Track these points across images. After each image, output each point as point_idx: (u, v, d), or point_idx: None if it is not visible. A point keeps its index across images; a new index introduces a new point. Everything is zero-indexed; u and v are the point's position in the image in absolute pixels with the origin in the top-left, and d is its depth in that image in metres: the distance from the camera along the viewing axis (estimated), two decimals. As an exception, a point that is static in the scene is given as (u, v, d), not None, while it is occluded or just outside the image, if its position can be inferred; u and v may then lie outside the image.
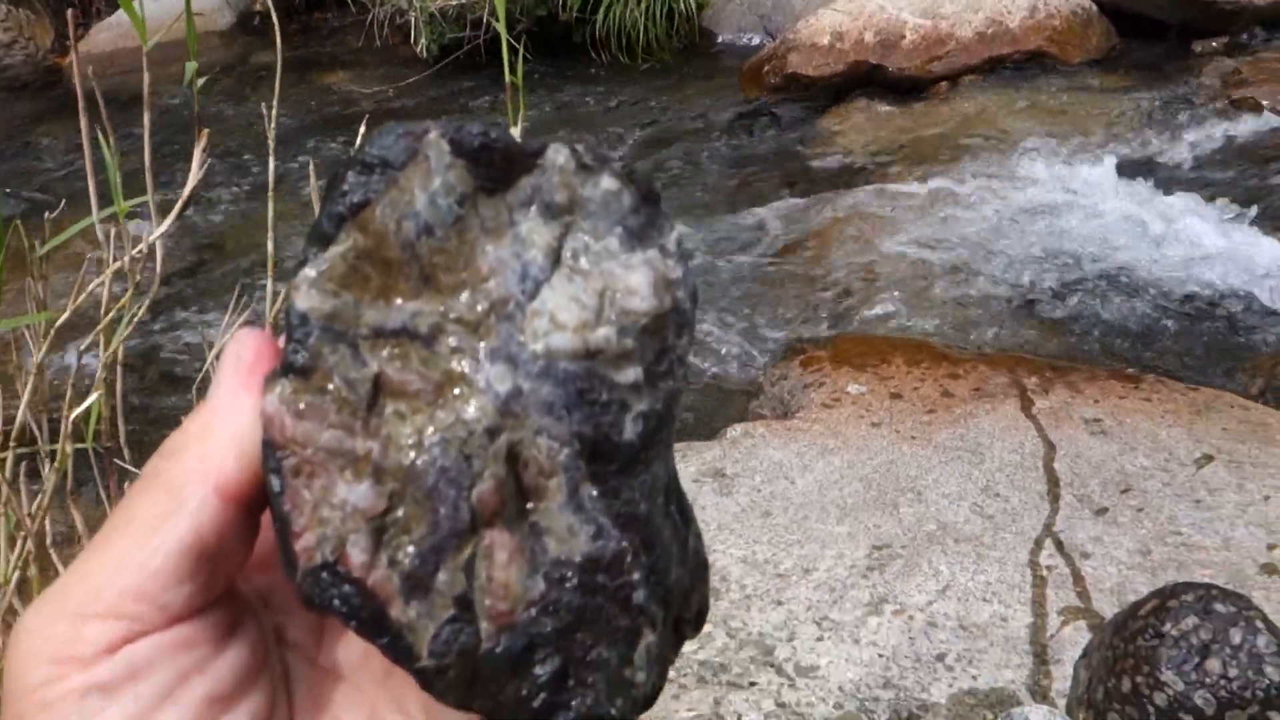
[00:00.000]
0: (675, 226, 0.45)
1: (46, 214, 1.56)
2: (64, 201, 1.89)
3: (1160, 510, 2.63)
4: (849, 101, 6.13)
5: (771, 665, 2.23)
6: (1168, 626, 1.87)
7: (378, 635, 0.42)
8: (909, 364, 3.40)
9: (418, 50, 7.37)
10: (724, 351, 4.06)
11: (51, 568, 1.55)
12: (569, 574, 0.43)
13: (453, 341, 0.43)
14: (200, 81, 1.36)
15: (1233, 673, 1.81)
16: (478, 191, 0.43)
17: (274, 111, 1.45)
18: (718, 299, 4.42)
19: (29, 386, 1.40)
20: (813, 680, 2.19)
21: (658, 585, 0.45)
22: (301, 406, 0.42)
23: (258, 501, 0.44)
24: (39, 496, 1.45)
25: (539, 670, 0.43)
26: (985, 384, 3.26)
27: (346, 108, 7.00)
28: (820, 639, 2.29)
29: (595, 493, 0.43)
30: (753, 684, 2.19)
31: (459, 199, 0.43)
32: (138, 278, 1.41)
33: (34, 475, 1.54)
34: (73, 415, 1.37)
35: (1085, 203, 4.79)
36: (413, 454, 0.42)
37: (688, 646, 2.24)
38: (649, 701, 0.46)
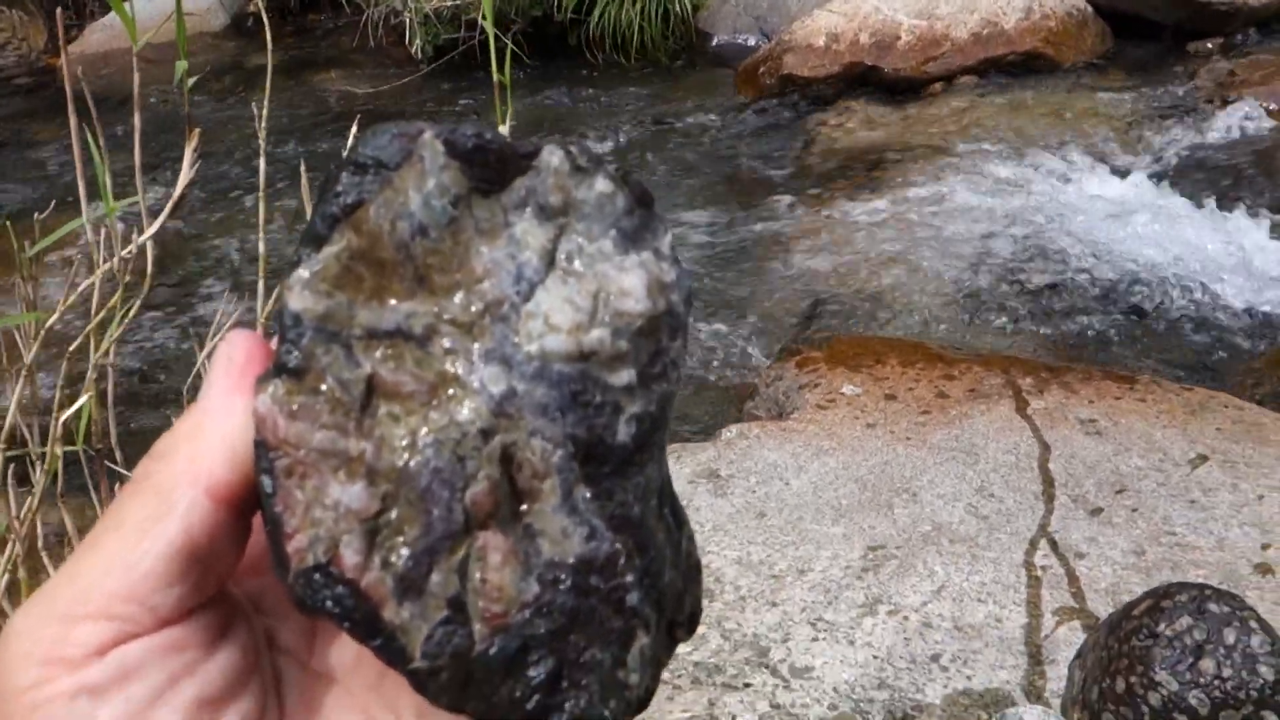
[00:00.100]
0: (669, 229, 0.45)
1: (36, 215, 1.56)
2: (54, 202, 1.88)
3: (1155, 510, 2.64)
4: (844, 102, 6.13)
5: (766, 666, 2.23)
6: (1162, 626, 1.87)
7: (370, 637, 0.42)
8: (904, 365, 3.40)
9: (413, 51, 7.37)
10: (719, 353, 4.06)
11: (42, 570, 1.54)
12: (563, 576, 0.43)
13: (447, 343, 0.42)
14: (191, 81, 1.36)
15: (1227, 673, 1.81)
16: (472, 193, 0.43)
17: (265, 111, 1.45)
18: (712, 300, 4.42)
19: (18, 388, 1.39)
20: (807, 681, 2.19)
21: (651, 587, 0.45)
22: (294, 407, 0.42)
23: (249, 503, 0.44)
24: (29, 499, 1.44)
25: (532, 672, 0.43)
26: (980, 385, 3.26)
27: (341, 109, 7.00)
28: (815, 640, 2.29)
29: (589, 495, 0.43)
30: (747, 685, 2.19)
31: (453, 200, 0.43)
32: (128, 278, 1.41)
33: (24, 480, 1.54)
34: (63, 417, 1.36)
35: (1081, 203, 4.80)
36: (406, 455, 0.42)
37: (682, 648, 2.24)
38: (643, 704, 0.46)
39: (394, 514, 0.42)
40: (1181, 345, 3.92)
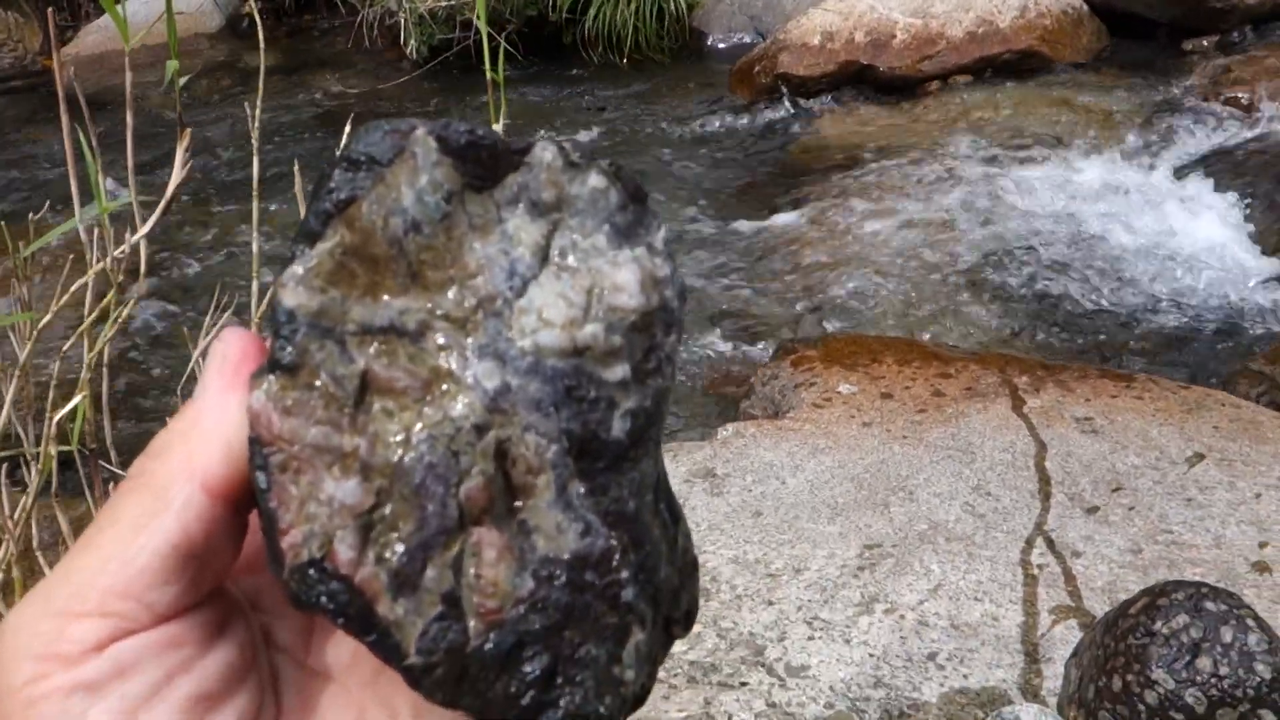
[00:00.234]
0: (663, 224, 0.45)
1: (30, 215, 1.56)
2: (48, 203, 1.88)
3: (1151, 509, 2.64)
4: (839, 101, 6.13)
5: (762, 665, 2.23)
6: (1159, 625, 1.87)
7: (365, 632, 0.42)
8: (900, 363, 3.40)
9: (407, 52, 7.37)
10: (714, 352, 4.06)
11: (37, 570, 1.54)
12: (557, 572, 0.43)
13: (440, 338, 0.42)
14: (183, 81, 1.36)
15: (1224, 671, 1.81)
16: (465, 189, 0.43)
17: (258, 111, 1.45)
18: (708, 299, 4.42)
19: (12, 388, 1.39)
20: (804, 680, 2.19)
21: (647, 583, 0.45)
22: (288, 403, 0.42)
23: (245, 500, 0.44)
24: (23, 499, 1.44)
25: (527, 668, 0.43)
26: (976, 383, 3.26)
27: (335, 109, 6.99)
28: (811, 639, 2.29)
29: (583, 490, 0.43)
30: (743, 684, 2.19)
31: (446, 196, 0.43)
32: (120, 278, 1.41)
33: (17, 480, 1.54)
34: (57, 417, 1.36)
35: (1077, 202, 4.80)
36: (400, 451, 0.42)
37: (678, 646, 2.24)
38: (638, 701, 0.46)
39: (388, 509, 0.42)
40: (1178, 343, 3.93)
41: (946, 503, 2.72)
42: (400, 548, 0.42)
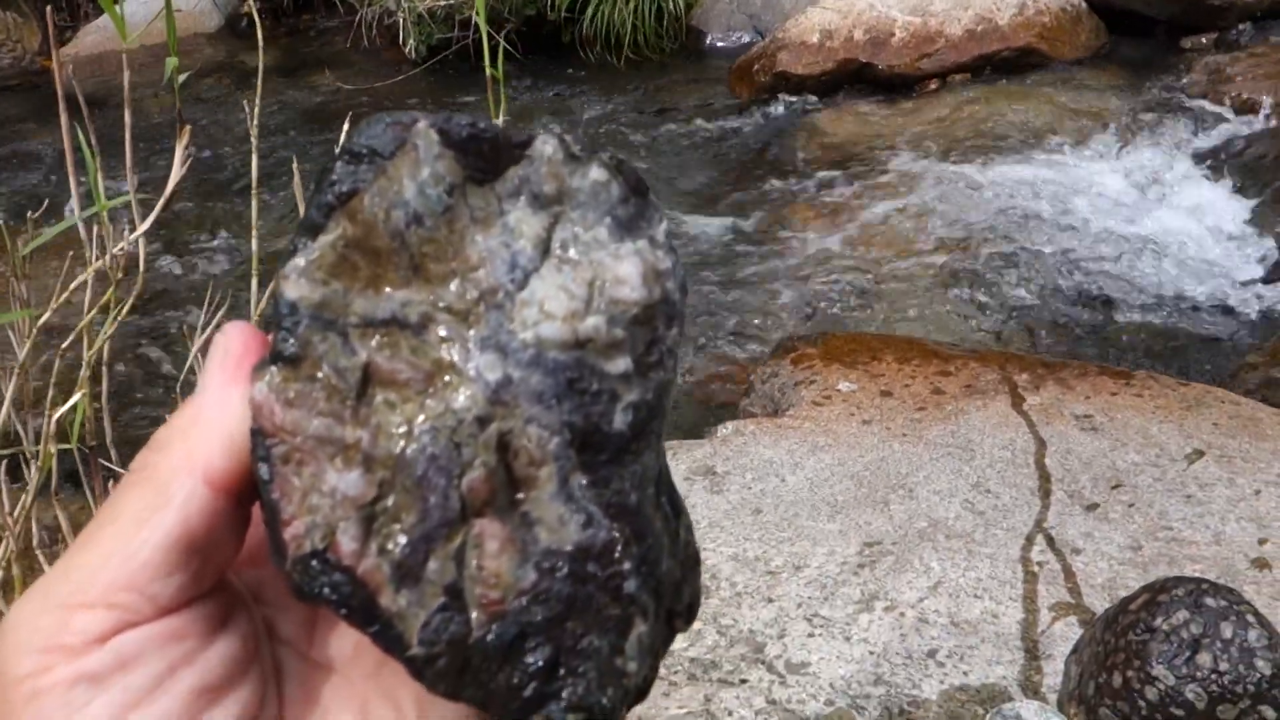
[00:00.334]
0: (664, 217, 0.45)
1: (29, 214, 1.56)
2: (47, 201, 1.88)
3: (1151, 505, 2.64)
4: (838, 99, 6.13)
5: (762, 662, 2.23)
6: (1159, 621, 1.87)
7: (367, 624, 0.42)
8: (899, 361, 3.40)
9: (406, 51, 7.37)
10: (714, 349, 4.06)
11: (38, 569, 1.54)
12: (560, 563, 0.43)
13: (442, 330, 0.43)
14: (182, 78, 1.36)
15: (1224, 667, 1.81)
16: (467, 181, 0.43)
17: (257, 109, 1.45)
18: (708, 297, 4.42)
19: (11, 386, 1.39)
20: (804, 677, 2.19)
21: (649, 575, 0.45)
22: (291, 394, 0.42)
23: (247, 493, 0.44)
24: (22, 497, 1.44)
25: (530, 659, 0.43)
26: (976, 381, 3.26)
27: (334, 108, 6.99)
28: (811, 636, 2.29)
29: (585, 482, 0.43)
30: (744, 681, 2.19)
31: (448, 189, 0.43)
32: (120, 275, 1.41)
33: (17, 478, 1.54)
34: (56, 415, 1.36)
35: (1075, 199, 4.81)
36: (402, 442, 0.42)
37: (678, 643, 2.24)
38: (641, 693, 0.46)
39: (391, 501, 0.42)
40: (1178, 340, 3.93)
41: (946, 500, 2.72)
42: (403, 539, 0.42)
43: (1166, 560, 2.45)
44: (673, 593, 0.47)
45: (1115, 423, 3.00)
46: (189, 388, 0.47)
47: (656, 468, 0.46)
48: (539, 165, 0.44)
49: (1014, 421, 3.04)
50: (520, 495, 0.43)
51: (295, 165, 1.39)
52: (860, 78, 6.18)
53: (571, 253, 0.43)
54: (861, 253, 4.61)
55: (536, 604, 0.43)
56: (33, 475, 1.45)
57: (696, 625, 2.30)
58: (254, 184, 1.58)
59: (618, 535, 0.43)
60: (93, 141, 1.39)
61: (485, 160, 0.43)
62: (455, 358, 0.42)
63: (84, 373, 1.40)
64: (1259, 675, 1.80)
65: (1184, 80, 5.71)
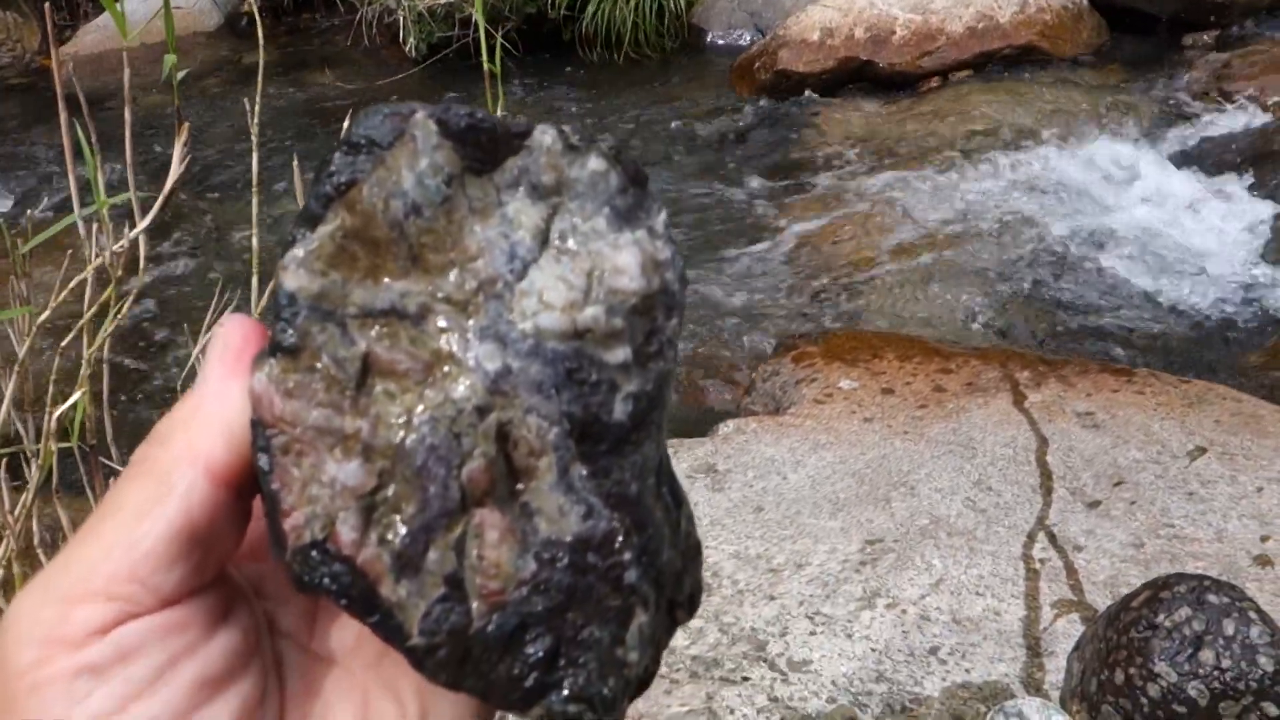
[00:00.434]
0: (663, 208, 0.45)
1: (29, 212, 1.56)
2: (46, 199, 1.88)
3: (1153, 503, 2.64)
4: (839, 97, 6.13)
5: (764, 660, 2.23)
6: (1161, 618, 1.87)
7: (368, 614, 0.42)
8: (901, 359, 3.40)
9: (406, 49, 7.36)
10: (714, 348, 4.06)
11: (38, 567, 1.54)
12: (560, 553, 0.43)
13: (441, 321, 0.42)
14: (181, 75, 1.36)
15: (1226, 664, 1.81)
16: (465, 172, 0.43)
17: (257, 106, 1.45)
18: (709, 295, 4.42)
19: (11, 384, 1.39)
20: (805, 675, 2.19)
21: (650, 565, 0.45)
22: (290, 385, 0.42)
23: (248, 485, 0.44)
24: (23, 495, 1.44)
25: (530, 649, 0.43)
26: (977, 378, 3.26)
27: (334, 106, 6.99)
28: (813, 633, 2.29)
29: (585, 473, 0.43)
30: (745, 679, 2.19)
31: (446, 179, 0.43)
32: (120, 273, 1.41)
33: (18, 476, 1.54)
34: (57, 413, 1.36)
35: (1077, 197, 4.80)
36: (402, 432, 0.42)
37: (680, 641, 2.24)
38: (642, 684, 0.46)
39: (390, 491, 0.42)
40: (1179, 337, 3.93)
41: (948, 498, 2.72)
42: (403, 529, 0.42)
43: (1168, 557, 2.45)
44: (674, 583, 0.47)
45: (1117, 420, 3.00)
46: (190, 385, 0.47)
47: (657, 458, 0.46)
48: (537, 155, 0.44)
49: (1015, 419, 3.04)
50: (520, 485, 0.43)
51: (295, 163, 1.39)
52: (861, 76, 6.18)
53: (570, 243, 0.43)
54: (863, 251, 4.61)
55: (537, 594, 0.42)
56: (33, 474, 1.45)
57: (698, 623, 2.30)
58: (255, 181, 1.58)
59: (618, 525, 0.43)
60: (93, 140, 1.39)
61: (484, 151, 0.43)
62: (454, 348, 0.42)
63: (84, 370, 1.40)
64: (1261, 672, 1.80)
65: (1186, 78, 5.71)
